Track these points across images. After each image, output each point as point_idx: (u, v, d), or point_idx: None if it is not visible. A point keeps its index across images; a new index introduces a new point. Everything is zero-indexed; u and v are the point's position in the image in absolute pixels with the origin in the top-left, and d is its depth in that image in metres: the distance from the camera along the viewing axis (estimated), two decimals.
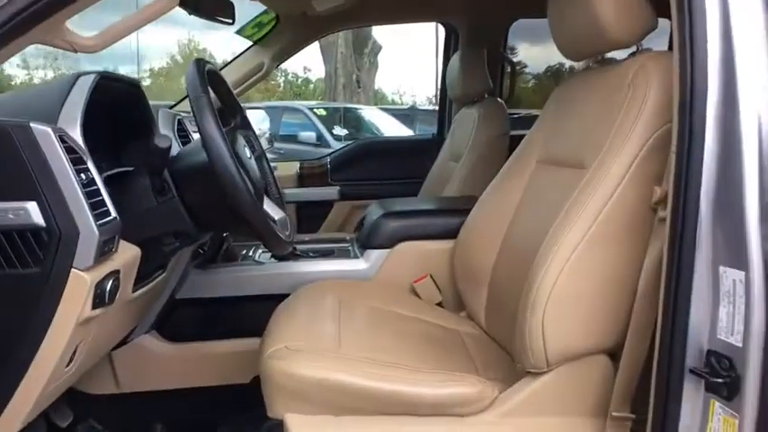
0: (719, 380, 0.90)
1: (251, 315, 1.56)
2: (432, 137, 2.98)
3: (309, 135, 7.36)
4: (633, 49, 1.23)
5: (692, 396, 0.95)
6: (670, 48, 1.03)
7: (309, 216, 2.63)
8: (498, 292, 1.45)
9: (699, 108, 0.92)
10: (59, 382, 1.05)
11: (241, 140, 1.32)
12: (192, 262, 1.63)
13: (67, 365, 1.04)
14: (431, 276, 1.67)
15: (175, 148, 1.36)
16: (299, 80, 20.81)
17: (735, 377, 0.89)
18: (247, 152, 1.31)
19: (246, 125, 1.49)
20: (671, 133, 0.97)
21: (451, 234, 1.65)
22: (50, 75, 18.51)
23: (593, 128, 1.23)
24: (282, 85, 20.46)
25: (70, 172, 0.94)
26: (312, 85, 20.45)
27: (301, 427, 1.09)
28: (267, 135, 2.80)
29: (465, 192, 2.10)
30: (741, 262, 0.87)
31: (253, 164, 1.32)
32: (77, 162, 0.97)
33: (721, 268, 0.91)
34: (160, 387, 1.63)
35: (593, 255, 1.10)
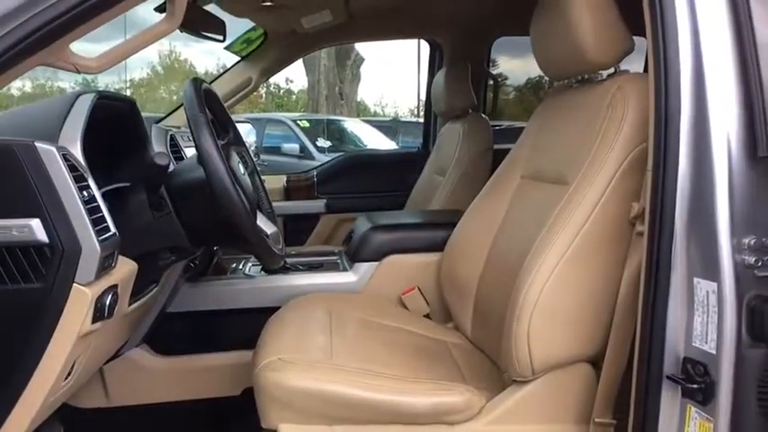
0: (695, 386, 0.95)
1: (241, 328, 1.59)
2: (417, 150, 3.03)
3: (293, 147, 7.40)
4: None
5: (669, 401, 1.00)
6: (646, 70, 1.09)
7: (296, 229, 2.66)
8: (484, 304, 1.50)
9: (673, 127, 0.98)
10: (57, 396, 1.06)
11: (235, 157, 1.35)
12: (184, 275, 1.65)
13: (65, 379, 1.06)
14: (418, 288, 1.71)
15: None
16: (282, 91, 20.84)
17: (709, 383, 0.94)
18: (241, 168, 1.34)
19: (239, 141, 1.52)
20: (647, 152, 1.03)
21: (438, 247, 1.70)
22: (28, 85, 18.30)
23: (574, 146, 1.29)
24: (265, 96, 20.45)
25: (73, 190, 0.96)
26: (294, 97, 20.49)
27: None
28: (253, 148, 2.84)
29: (450, 205, 2.16)
30: (713, 274, 0.93)
31: (246, 179, 1.36)
32: (79, 179, 0.99)
33: (695, 279, 0.97)
34: (150, 400, 1.64)
35: (575, 267, 1.15)
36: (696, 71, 0.98)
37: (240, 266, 1.85)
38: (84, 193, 0.99)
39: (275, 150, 7.20)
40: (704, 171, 0.96)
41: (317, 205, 2.73)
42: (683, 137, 0.98)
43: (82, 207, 0.96)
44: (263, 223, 1.38)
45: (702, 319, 0.96)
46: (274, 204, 2.75)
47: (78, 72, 0.94)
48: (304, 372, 1.16)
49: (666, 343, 1.00)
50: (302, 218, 2.70)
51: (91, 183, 1.03)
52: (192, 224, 1.22)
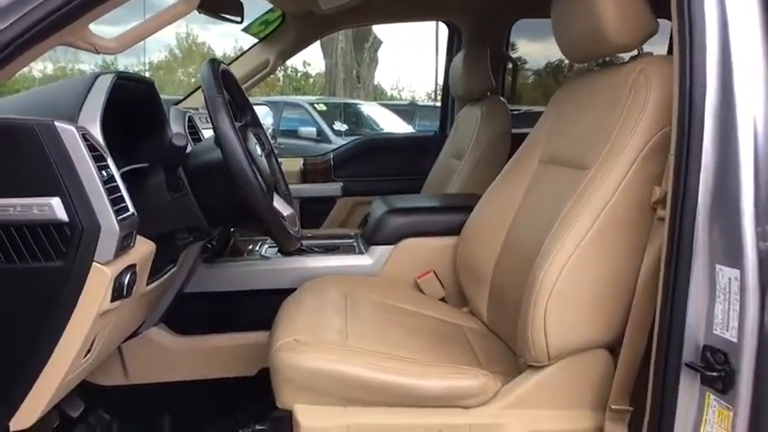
0: (715, 373, 0.93)
1: (257, 309, 1.60)
2: (434, 134, 3.01)
3: (310, 130, 7.39)
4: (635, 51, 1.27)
5: (688, 389, 0.99)
6: (670, 52, 1.06)
7: (312, 212, 2.66)
8: (500, 289, 1.49)
9: (697, 111, 0.96)
10: (76, 373, 1.08)
11: (252, 138, 1.35)
12: (201, 256, 1.66)
13: (85, 356, 1.07)
14: (434, 272, 1.71)
15: None
16: (299, 75, 20.80)
17: (729, 371, 0.93)
18: (258, 150, 1.34)
19: (257, 123, 1.52)
20: (670, 135, 1.01)
21: (455, 231, 1.69)
22: (49, 67, 18.47)
23: (595, 129, 1.27)
24: (282, 79, 20.44)
25: (93, 169, 0.97)
26: (312, 80, 20.45)
27: (310, 417, 1.13)
28: (270, 131, 2.84)
29: (467, 189, 2.14)
30: (736, 260, 0.91)
31: (263, 161, 1.36)
32: (98, 159, 1.00)
33: (717, 266, 0.95)
34: (168, 379, 1.66)
35: (594, 252, 1.13)
36: (723, 53, 0.95)
37: (257, 248, 1.86)
38: (104, 172, 0.99)
39: (292, 134, 7.21)
40: (729, 156, 0.94)
41: (333, 188, 2.73)
42: (707, 120, 0.95)
43: (101, 186, 0.97)
44: (280, 205, 1.38)
45: (724, 306, 0.95)
46: (291, 187, 2.77)
47: (97, 52, 0.94)
48: (319, 353, 1.16)
49: (686, 330, 0.98)
50: (318, 201, 2.70)
51: (110, 162, 1.03)
52: (209, 205, 1.23)
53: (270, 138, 2.18)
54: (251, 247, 1.88)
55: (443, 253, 1.71)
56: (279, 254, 1.78)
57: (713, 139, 0.95)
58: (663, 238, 1.02)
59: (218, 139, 1.16)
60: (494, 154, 2.19)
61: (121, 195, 1.04)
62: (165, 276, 1.34)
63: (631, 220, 1.12)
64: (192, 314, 1.70)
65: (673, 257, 0.99)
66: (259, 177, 1.20)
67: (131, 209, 1.05)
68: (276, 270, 1.73)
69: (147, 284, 1.23)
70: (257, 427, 1.57)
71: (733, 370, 0.93)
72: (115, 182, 1.03)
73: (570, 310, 1.14)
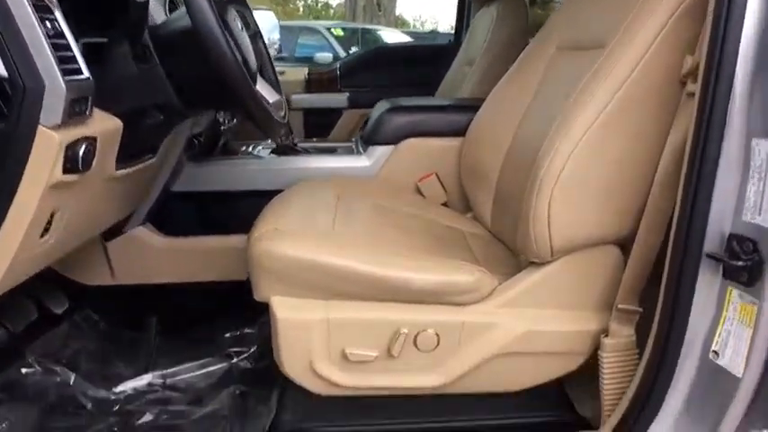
0: (740, 263, 0.82)
1: (248, 211, 1.49)
2: (448, 44, 2.81)
3: (326, 56, 7.09)
4: None
5: (707, 283, 0.88)
6: None
7: (317, 123, 2.54)
8: (506, 191, 1.37)
9: None
10: (35, 253, 1.00)
11: (232, 12, 1.21)
12: (186, 152, 1.56)
13: (43, 236, 0.98)
14: (436, 175, 1.59)
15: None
16: (319, 5, 20.17)
17: (758, 261, 0.81)
18: (239, 24, 1.20)
19: (243, 2, 1.37)
20: None
21: (460, 131, 1.56)
22: None
23: (618, 3, 1.10)
24: (302, 9, 19.86)
25: (34, 19, 0.85)
26: (332, 11, 19.82)
27: (287, 309, 1.04)
28: (277, 45, 2.67)
29: (478, 95, 1.98)
30: None
31: (245, 39, 1.22)
32: (43, 10, 0.88)
33: (754, 141, 0.82)
34: (156, 281, 1.60)
35: (608, 135, 1.00)
36: None
37: (250, 149, 1.75)
38: (48, 24, 0.87)
39: (308, 60, 6.98)
40: None
41: (339, 99, 2.59)
42: None
43: (44, 40, 0.85)
44: (265, 90, 1.25)
45: (758, 187, 0.82)
46: (294, 97, 2.63)
47: None
48: (300, 242, 1.06)
49: (711, 216, 0.86)
50: (323, 112, 2.57)
51: (58, 15, 0.91)
52: (179, 78, 1.11)
53: (276, 51, 2.03)
54: (244, 148, 1.77)
55: (447, 155, 1.58)
56: (272, 154, 1.67)
57: None
58: (691, 117, 0.89)
59: (187, 2, 1.02)
60: (507, 56, 1.99)
61: (73, 56, 0.92)
62: (142, 165, 1.24)
63: (655, 96, 0.98)
64: (179, 214, 1.62)
65: (702, 134, 0.86)
66: (235, 50, 1.07)
67: (85, 72, 0.93)
68: (268, 170, 1.62)
69: (118, 169, 1.13)
70: (246, 330, 1.51)
71: (762, 260, 0.81)
72: (65, 39, 0.91)
73: (578, 200, 1.02)
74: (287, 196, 1.37)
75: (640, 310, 1.02)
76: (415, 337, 1.05)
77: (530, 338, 1.06)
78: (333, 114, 2.58)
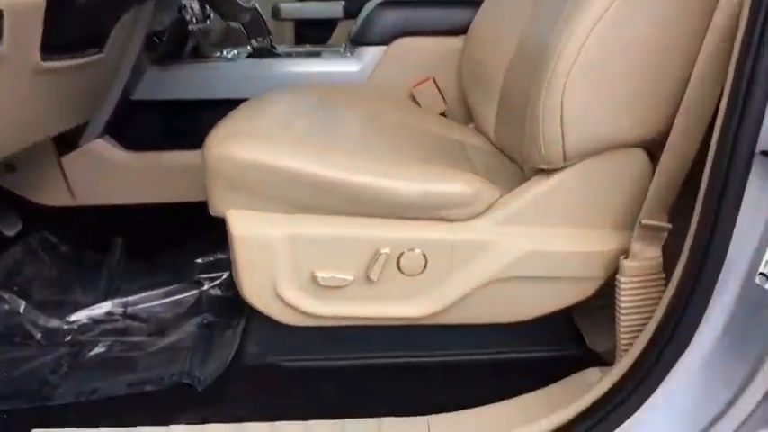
0: None
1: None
2: None
3: None
4: None
5: (758, 188, 0.69)
6: None
7: (309, 36, 2.31)
8: (512, 94, 1.16)
9: None
10: None
11: None
12: (148, 54, 1.37)
13: None
14: (433, 80, 1.38)
15: None
16: None
17: None
18: None
19: None
20: None
21: (460, 29, 1.36)
22: None
23: None
24: None
25: None
26: None
27: (246, 224, 0.88)
28: None
29: None
30: None
31: None
32: None
33: None
34: (119, 201, 1.44)
35: (632, 13, 0.79)
36: None
37: (224, 54, 1.54)
38: None
39: None
40: None
41: (334, 9, 2.34)
42: None
43: None
44: None
45: None
46: (284, 6, 2.39)
47: None
48: (260, 144, 0.89)
49: None
50: (317, 23, 2.33)
51: None
52: None
53: None
54: (218, 54, 1.56)
55: (446, 56, 1.38)
56: (248, 58, 1.47)
57: None
58: None
59: None
60: None
61: None
62: (81, 60, 1.05)
63: None
64: (142, 126, 1.44)
65: (762, 11, 0.65)
66: None
67: None
68: (243, 76, 1.42)
69: (46, 60, 0.94)
70: (219, 255, 1.35)
71: None
72: None
73: (596, 94, 0.82)
74: (257, 101, 1.18)
75: (669, 226, 0.84)
76: (399, 258, 0.88)
77: (534, 261, 0.89)
78: (327, 25, 2.34)
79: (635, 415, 0.76)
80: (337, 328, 0.94)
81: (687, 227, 0.77)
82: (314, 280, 0.89)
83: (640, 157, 0.87)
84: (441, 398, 0.93)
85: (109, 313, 1.22)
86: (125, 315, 1.22)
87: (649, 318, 0.82)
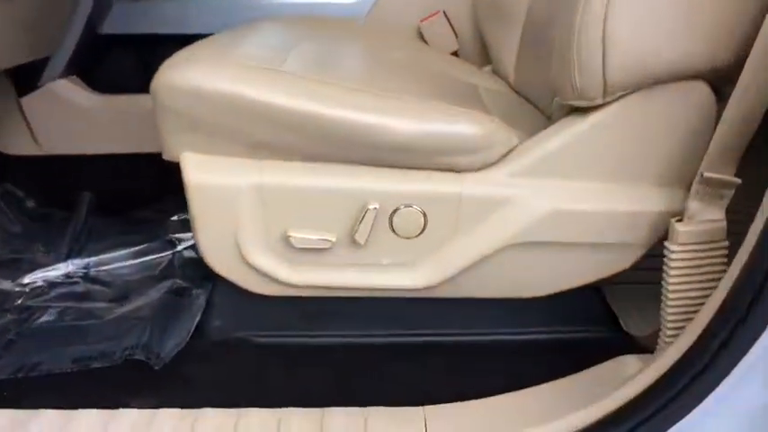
0: None
1: None
2: None
3: None
4: None
5: None
6: None
7: None
8: (538, 29, 0.97)
9: None
10: None
11: None
12: None
13: None
14: (444, 14, 1.19)
15: None
16: None
17: None
18: None
19: None
20: None
21: None
22: None
23: None
24: None
25: None
26: None
27: (203, 170, 0.71)
28: None
29: None
30: None
31: None
32: None
33: None
34: (89, 151, 1.28)
35: None
36: None
37: None
38: None
39: None
40: None
41: None
42: None
43: None
44: None
45: None
46: None
47: None
48: (217, 70, 0.71)
49: None
50: None
51: None
52: None
53: None
54: None
55: None
56: None
57: None
58: None
59: None
60: None
61: None
62: None
63: None
64: (113, 65, 1.28)
65: None
66: None
67: None
68: (226, 8, 1.25)
69: None
70: None
71: None
72: None
73: (647, 11, 0.63)
74: (234, 31, 1.00)
75: (738, 181, 0.66)
76: (391, 215, 0.72)
77: (560, 222, 0.72)
78: None
79: (692, 414, 0.59)
80: (318, 299, 0.78)
81: (765, 181, 0.59)
82: (287, 241, 0.72)
83: (703, 92, 0.68)
84: (440, 386, 0.77)
85: (68, 275, 1.07)
86: (86, 278, 1.07)
87: (706, 295, 0.65)
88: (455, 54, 1.21)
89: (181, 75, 0.70)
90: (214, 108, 0.68)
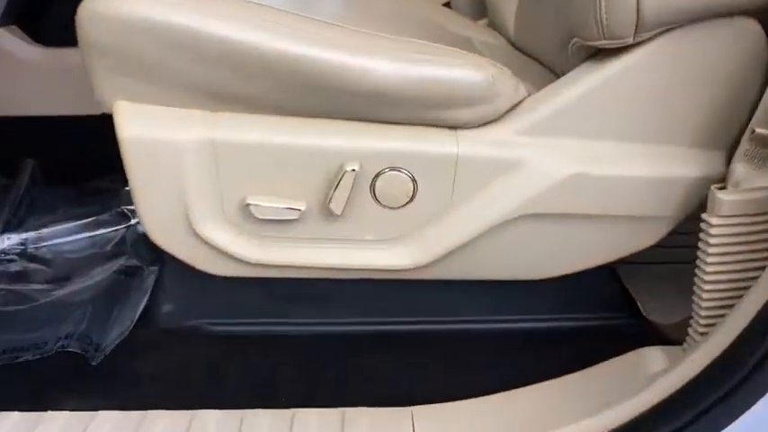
0: None
1: None
2: None
3: None
4: None
5: None
6: None
7: None
8: None
9: None
10: None
11: None
12: None
13: None
14: None
15: None
16: None
17: None
18: None
19: None
20: None
21: None
22: None
23: None
24: None
25: None
26: None
27: (140, 122, 0.58)
28: None
29: None
30: None
31: None
32: None
33: None
34: (33, 112, 1.15)
35: None
36: None
37: None
38: None
39: None
40: None
41: None
42: None
43: None
44: None
45: None
46: None
47: None
48: None
49: None
50: None
51: None
52: None
53: None
54: None
55: None
56: None
57: None
58: None
59: None
60: None
61: None
62: None
63: None
64: (61, 14, 1.13)
65: None
66: None
67: None
68: None
69: None
70: None
71: None
72: None
73: None
74: None
75: None
76: (374, 180, 0.59)
77: (577, 190, 0.60)
78: None
79: (740, 419, 0.49)
80: (283, 281, 0.65)
81: None
82: (246, 211, 0.59)
83: (752, 31, 0.56)
84: (430, 382, 0.65)
85: (2, 252, 0.94)
86: (23, 255, 0.94)
87: (752, 277, 0.53)
88: (447, 5, 1.08)
89: (109, 4, 0.56)
90: (149, 42, 0.54)
